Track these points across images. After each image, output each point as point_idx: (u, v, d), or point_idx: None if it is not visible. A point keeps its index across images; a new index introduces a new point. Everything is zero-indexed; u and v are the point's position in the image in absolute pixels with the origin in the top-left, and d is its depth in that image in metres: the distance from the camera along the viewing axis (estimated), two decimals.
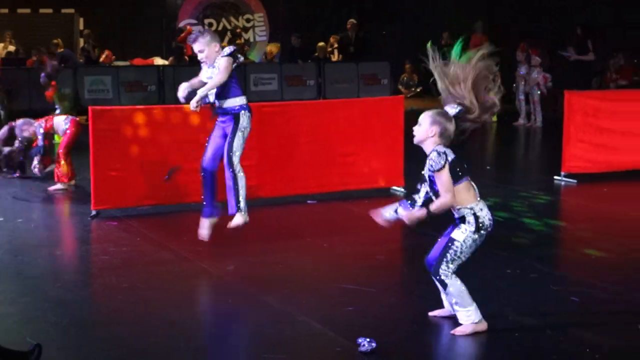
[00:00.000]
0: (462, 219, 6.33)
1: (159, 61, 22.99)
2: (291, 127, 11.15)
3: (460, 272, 6.38)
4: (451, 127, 6.43)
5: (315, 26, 26.54)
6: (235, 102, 8.33)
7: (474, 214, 6.29)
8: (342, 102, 13.40)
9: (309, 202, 11.03)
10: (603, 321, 6.77)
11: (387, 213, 6.82)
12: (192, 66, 21.30)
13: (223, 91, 8.26)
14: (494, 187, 12.71)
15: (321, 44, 23.68)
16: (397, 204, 6.76)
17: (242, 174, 8.30)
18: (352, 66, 23.11)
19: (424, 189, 6.56)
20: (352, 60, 23.49)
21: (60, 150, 11.92)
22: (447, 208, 6.34)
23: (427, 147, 6.42)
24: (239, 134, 8.27)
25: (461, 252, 6.34)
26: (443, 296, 6.61)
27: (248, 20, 27.09)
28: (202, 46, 8.30)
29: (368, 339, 6.12)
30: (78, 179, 12.01)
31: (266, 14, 27.13)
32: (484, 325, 6.32)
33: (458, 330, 6.32)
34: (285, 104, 14.29)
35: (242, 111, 8.32)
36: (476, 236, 6.31)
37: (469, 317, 6.29)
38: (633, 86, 17.84)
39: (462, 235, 6.31)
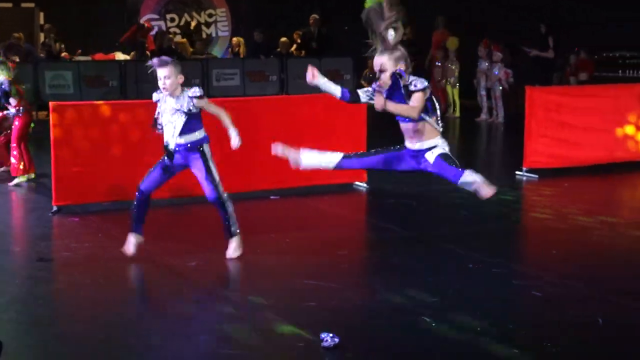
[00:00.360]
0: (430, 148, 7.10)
1: (120, 56, 22.83)
2: (254, 122, 11.12)
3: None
4: (404, 51, 7.26)
5: (278, 22, 26.49)
6: (201, 134, 8.11)
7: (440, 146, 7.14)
8: (305, 97, 13.33)
9: (271, 197, 11.03)
10: (564, 315, 6.82)
11: (323, 79, 7.38)
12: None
13: (187, 126, 8.01)
14: None
15: (283, 39, 23.65)
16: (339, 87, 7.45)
17: (229, 201, 8.12)
18: (314, 62, 22.95)
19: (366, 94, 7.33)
20: (314, 56, 23.48)
21: (13, 144, 11.83)
22: (404, 116, 7.14)
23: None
24: (211, 164, 8.09)
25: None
26: None
27: (210, 16, 26.98)
28: (170, 74, 7.89)
29: (331, 334, 6.12)
30: (37, 173, 11.94)
31: (229, 9, 27.04)
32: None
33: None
34: (248, 100, 14.33)
35: (205, 142, 8.14)
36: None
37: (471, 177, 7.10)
38: (593, 81, 17.96)
39: (440, 150, 7.10)
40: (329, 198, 11.25)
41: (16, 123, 11.98)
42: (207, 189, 8.02)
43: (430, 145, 7.11)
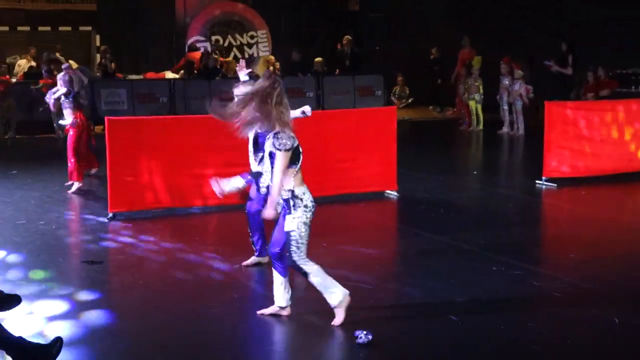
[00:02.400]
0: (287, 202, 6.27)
1: (169, 75, 22.95)
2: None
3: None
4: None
5: (314, 42, 26.58)
6: None
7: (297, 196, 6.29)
8: (339, 112, 13.41)
9: None
10: (582, 315, 6.77)
11: (227, 187, 7.36)
12: (200, 79, 21.43)
13: None
14: (480, 190, 12.73)
15: (318, 59, 23.66)
16: (239, 177, 7.38)
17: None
18: (348, 79, 23.08)
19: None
20: (348, 74, 23.50)
21: (70, 153, 12.01)
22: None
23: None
24: None
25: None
26: (276, 288, 6.55)
27: (252, 37, 27.05)
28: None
29: (365, 332, 6.11)
30: (95, 183, 12.10)
31: (269, 31, 27.12)
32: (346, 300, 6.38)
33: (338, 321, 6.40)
34: None
35: None
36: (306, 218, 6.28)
37: (336, 297, 6.34)
38: (612, 97, 17.77)
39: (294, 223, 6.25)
40: (362, 206, 11.24)
41: (70, 133, 12.14)
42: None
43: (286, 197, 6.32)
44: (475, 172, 14.97)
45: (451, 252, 8.82)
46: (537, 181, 12.64)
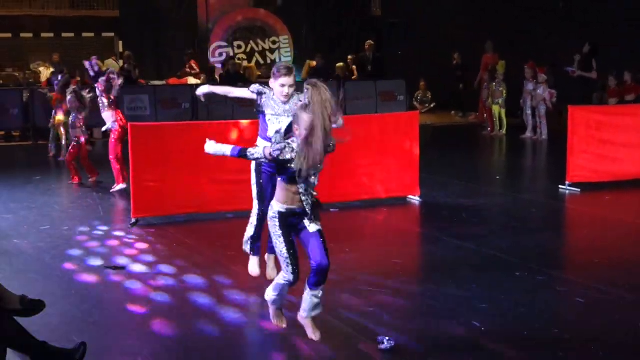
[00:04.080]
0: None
1: (192, 80, 23.04)
2: None
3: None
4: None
5: (335, 47, 26.59)
6: None
7: None
8: (362, 117, 13.37)
9: (331, 210, 11.01)
10: (606, 320, 6.72)
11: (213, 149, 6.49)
12: (222, 85, 21.44)
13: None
14: (503, 195, 12.68)
15: (340, 64, 23.67)
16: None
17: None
18: (370, 84, 23.07)
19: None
20: (370, 79, 23.49)
21: (111, 156, 12.25)
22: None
23: None
24: None
25: None
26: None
27: (274, 42, 27.15)
28: (293, 82, 7.37)
29: (387, 338, 6.11)
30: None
31: (291, 37, 27.19)
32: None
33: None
34: None
35: None
36: None
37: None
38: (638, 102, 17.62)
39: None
40: (385, 210, 11.23)
41: (112, 137, 12.35)
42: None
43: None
44: (498, 177, 14.93)
45: (474, 258, 8.77)
46: (560, 186, 12.58)
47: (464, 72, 23.34)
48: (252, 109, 7.67)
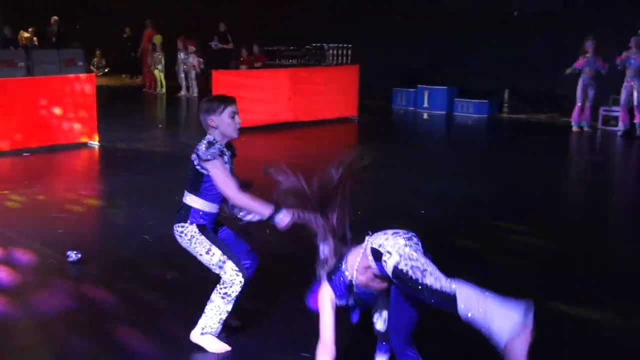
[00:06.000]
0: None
1: None
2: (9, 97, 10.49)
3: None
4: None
5: (25, 21, 24.71)
6: None
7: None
8: (47, 78, 12.61)
9: (24, 154, 10.40)
10: None
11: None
12: None
13: None
14: (166, 139, 12.63)
15: (26, 34, 22.26)
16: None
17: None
18: (54, 52, 21.85)
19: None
20: (54, 47, 22.26)
21: None
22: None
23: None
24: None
25: None
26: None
27: None
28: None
29: (75, 251, 5.92)
30: None
31: None
32: None
33: None
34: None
35: None
36: None
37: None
38: (266, 67, 18.27)
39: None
40: (68, 154, 10.74)
41: None
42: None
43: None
44: (160, 126, 14.85)
45: (147, 188, 8.69)
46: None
47: (134, 42, 22.88)
48: None
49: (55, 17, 23.11)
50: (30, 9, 24.98)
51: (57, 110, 11.09)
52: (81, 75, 11.94)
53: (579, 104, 13.69)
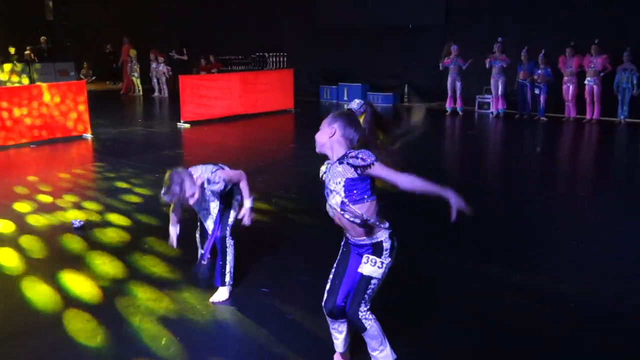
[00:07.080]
0: (377, 246, 2.96)
1: None
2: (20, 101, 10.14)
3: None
4: (352, 129, 2.91)
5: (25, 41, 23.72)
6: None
7: (390, 237, 3.00)
8: (47, 85, 12.28)
9: (31, 146, 10.18)
10: None
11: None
12: None
13: None
14: (143, 129, 12.47)
15: (27, 51, 21.37)
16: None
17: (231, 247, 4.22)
18: (51, 65, 21.17)
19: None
20: (49, 61, 21.50)
21: None
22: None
23: (333, 151, 2.93)
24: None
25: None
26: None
27: None
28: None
29: (78, 220, 5.84)
30: None
31: None
32: None
33: None
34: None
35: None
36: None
37: (387, 356, 3.12)
38: (221, 72, 18.14)
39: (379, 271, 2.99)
40: (67, 145, 10.50)
41: None
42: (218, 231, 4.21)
43: (378, 239, 2.98)
44: (140, 120, 14.63)
45: (130, 165, 8.62)
46: (177, 123, 12.71)
47: (115, 56, 22.37)
48: None
49: (44, 37, 22.62)
50: (22, 31, 24.03)
51: (55, 112, 10.87)
52: (73, 82, 11.73)
53: (450, 94, 14.24)
